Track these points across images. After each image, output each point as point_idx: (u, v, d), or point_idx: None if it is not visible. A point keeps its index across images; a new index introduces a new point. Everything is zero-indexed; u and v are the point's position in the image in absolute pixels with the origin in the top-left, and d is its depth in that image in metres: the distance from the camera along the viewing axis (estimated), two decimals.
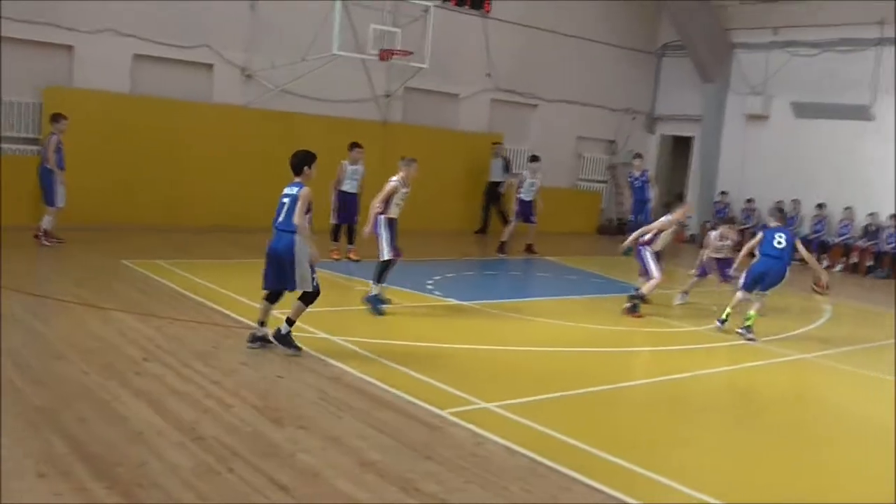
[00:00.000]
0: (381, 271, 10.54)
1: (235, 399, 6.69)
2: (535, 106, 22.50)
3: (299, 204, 7.94)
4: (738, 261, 11.61)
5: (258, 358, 7.97)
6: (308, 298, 8.20)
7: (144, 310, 9.47)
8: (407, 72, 18.10)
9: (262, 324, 8.30)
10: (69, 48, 15.57)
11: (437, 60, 18.02)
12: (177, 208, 16.56)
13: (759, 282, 10.86)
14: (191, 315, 9.43)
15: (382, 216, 10.51)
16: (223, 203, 17.00)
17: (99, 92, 15.68)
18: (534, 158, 17.59)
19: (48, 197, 13.31)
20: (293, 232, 7.96)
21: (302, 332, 8.97)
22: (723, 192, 22.47)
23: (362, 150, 14.38)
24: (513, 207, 17.21)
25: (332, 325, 9.51)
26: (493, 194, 20.11)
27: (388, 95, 19.36)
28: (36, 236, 13.06)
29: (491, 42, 21.01)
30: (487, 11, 20.86)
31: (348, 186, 14.17)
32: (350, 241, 14.36)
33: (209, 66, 17.18)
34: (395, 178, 10.59)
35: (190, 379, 7.11)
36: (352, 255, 14.20)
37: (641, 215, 17.84)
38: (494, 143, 20.15)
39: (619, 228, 23.76)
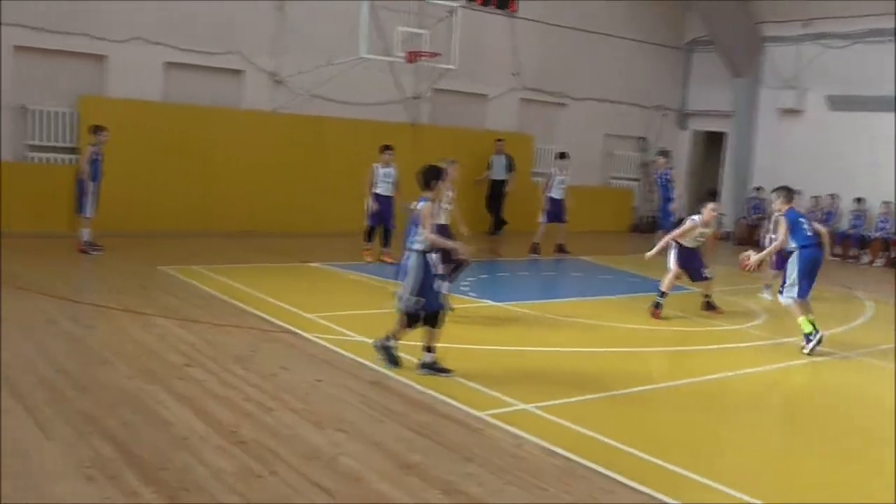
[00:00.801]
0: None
1: (276, 403, 6.74)
2: (564, 105, 22.44)
3: (421, 221, 7.82)
4: (763, 256, 10.04)
5: (296, 362, 8.02)
6: (432, 321, 7.89)
7: (183, 315, 9.56)
8: (434, 73, 18.14)
9: (427, 349, 7.91)
10: (102, 58, 15.76)
11: (465, 61, 18.00)
12: (210, 214, 16.71)
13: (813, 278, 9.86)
14: (228, 319, 9.51)
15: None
16: (255, 208, 17.14)
17: (132, 101, 15.86)
18: (562, 155, 17.48)
19: (80, 207, 13.44)
20: (412, 250, 7.86)
21: (339, 335, 9.05)
22: (757, 188, 22.25)
23: (393, 152, 14.40)
24: (543, 206, 16.99)
25: (368, 327, 9.52)
26: (498, 193, 19.90)
27: (416, 97, 19.41)
28: (82, 251, 13.21)
29: (518, 41, 20.99)
30: (514, 11, 20.80)
31: (382, 189, 14.26)
32: (385, 244, 14.43)
33: (239, 73, 17.32)
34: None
35: (230, 383, 7.18)
36: (386, 258, 14.22)
37: (662, 214, 17.66)
38: (498, 140, 19.87)
39: (652, 226, 23.60)
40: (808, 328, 9.73)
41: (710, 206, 11.59)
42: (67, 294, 10.25)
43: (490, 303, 11.71)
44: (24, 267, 11.78)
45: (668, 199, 17.82)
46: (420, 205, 7.93)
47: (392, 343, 8.04)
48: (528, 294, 13.58)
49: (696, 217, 11.60)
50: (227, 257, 14.10)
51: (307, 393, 7.08)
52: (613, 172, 23.90)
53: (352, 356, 8.27)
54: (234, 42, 17.01)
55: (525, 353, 9.27)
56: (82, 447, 5.54)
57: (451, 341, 9.32)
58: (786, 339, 10.34)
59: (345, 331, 9.23)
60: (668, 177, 17.90)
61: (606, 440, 6.40)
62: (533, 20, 21.14)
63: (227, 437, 5.92)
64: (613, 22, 22.65)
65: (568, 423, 6.72)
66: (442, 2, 17.31)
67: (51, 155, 15.39)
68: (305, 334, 9.01)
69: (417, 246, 7.83)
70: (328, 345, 8.65)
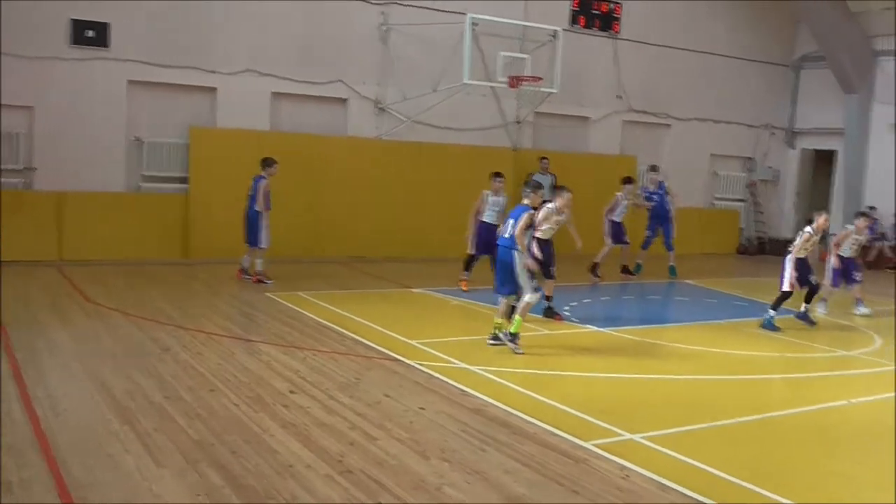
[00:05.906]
0: None
1: (380, 431, 6.76)
2: (668, 125, 22.08)
3: None
4: None
5: (400, 389, 8.03)
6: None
7: (288, 341, 9.72)
8: (537, 97, 18.07)
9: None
10: (212, 90, 16.28)
11: (567, 84, 17.95)
12: (314, 239, 17.00)
13: None
14: (333, 346, 9.62)
15: None
16: (358, 233, 17.36)
17: (240, 130, 16.32)
18: (628, 180, 16.54)
19: (253, 238, 13.60)
20: None
21: (442, 362, 9.04)
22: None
23: (503, 180, 13.79)
24: (605, 230, 16.24)
25: (471, 354, 9.51)
26: None
27: (518, 122, 19.38)
28: (258, 281, 13.55)
29: (621, 63, 20.79)
30: (616, 32, 20.65)
31: (488, 217, 13.52)
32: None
33: (343, 101, 17.64)
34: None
35: (335, 411, 7.23)
36: None
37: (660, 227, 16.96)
38: (542, 158, 18.55)
39: (760, 248, 22.96)
40: None
41: (825, 215, 12.54)
42: (179, 320, 10.56)
43: (594, 328, 11.54)
44: (136, 294, 12.21)
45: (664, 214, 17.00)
46: None
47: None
48: (632, 319, 13.33)
49: (809, 228, 12.43)
50: (331, 283, 14.32)
51: (411, 421, 7.08)
52: (719, 193, 23.33)
53: (454, 383, 8.23)
54: (338, 71, 17.35)
55: (629, 381, 9.06)
56: (192, 475, 5.65)
57: (554, 368, 9.24)
58: None
59: (448, 357, 9.22)
60: (663, 191, 17.12)
61: (717, 472, 6.18)
62: (635, 41, 20.91)
63: (333, 465, 5.95)
64: (718, 40, 22.20)
65: (676, 454, 6.53)
66: (544, 26, 17.28)
67: (162, 185, 15.95)
68: (409, 361, 9.04)
69: None
70: (431, 372, 8.64)
